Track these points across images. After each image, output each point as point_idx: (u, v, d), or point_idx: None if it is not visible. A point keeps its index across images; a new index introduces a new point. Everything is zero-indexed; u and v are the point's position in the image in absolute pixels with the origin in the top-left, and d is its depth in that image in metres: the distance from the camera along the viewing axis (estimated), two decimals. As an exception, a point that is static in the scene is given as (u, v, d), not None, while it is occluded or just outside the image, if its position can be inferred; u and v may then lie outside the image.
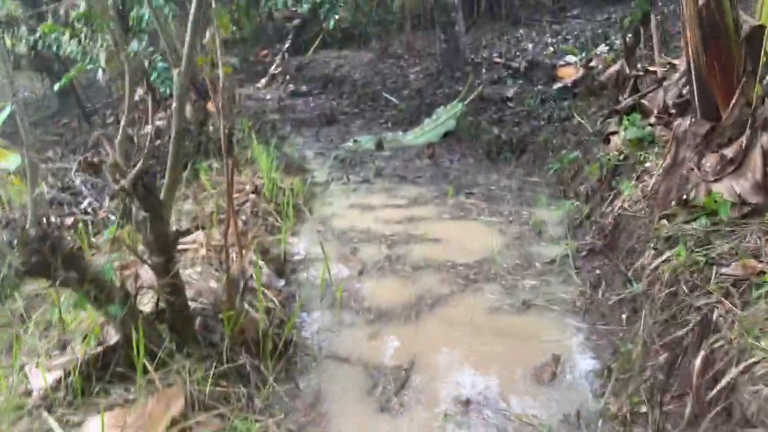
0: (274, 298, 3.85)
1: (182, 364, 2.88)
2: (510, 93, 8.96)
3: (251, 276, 3.70)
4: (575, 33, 12.47)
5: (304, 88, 15.87)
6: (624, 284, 3.91)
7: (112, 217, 5.62)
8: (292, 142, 9.32)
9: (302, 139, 9.57)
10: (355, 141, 9.25)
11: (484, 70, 10.81)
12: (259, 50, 18.75)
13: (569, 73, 8.40)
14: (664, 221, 3.78)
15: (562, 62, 8.69)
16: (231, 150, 7.34)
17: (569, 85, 7.94)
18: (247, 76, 19.17)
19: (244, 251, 3.88)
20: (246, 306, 3.40)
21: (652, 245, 3.74)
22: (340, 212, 5.83)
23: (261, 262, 4.22)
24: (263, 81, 17.32)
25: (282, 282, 4.41)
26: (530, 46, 12.12)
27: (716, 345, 2.65)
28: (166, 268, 2.96)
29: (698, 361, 2.58)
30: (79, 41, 11.57)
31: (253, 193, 5.67)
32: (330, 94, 14.48)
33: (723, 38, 3.64)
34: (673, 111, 4.90)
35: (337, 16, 17.55)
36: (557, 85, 8.31)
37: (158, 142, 8.97)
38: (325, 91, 14.96)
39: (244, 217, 5.09)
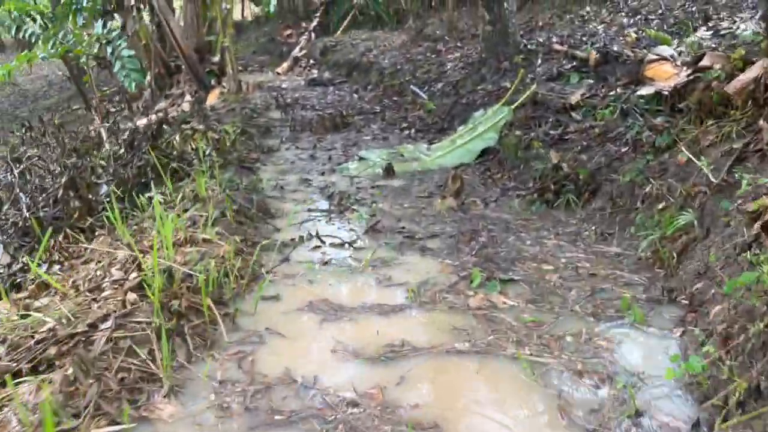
0: None
1: None
2: (575, 97, 6.26)
3: None
4: (660, 11, 9.52)
5: (327, 75, 13.41)
6: None
7: None
8: (276, 160, 6.88)
9: (294, 154, 7.11)
10: (360, 159, 6.76)
11: (539, 61, 8.08)
12: (283, 29, 16.29)
13: (665, 73, 5.66)
14: None
15: (652, 55, 5.95)
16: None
17: (666, 92, 5.23)
18: (271, 58, 16.80)
19: None
20: None
21: None
22: (283, 323, 3.37)
23: None
24: (284, 65, 14.88)
25: None
26: (600, 28, 9.25)
27: None
28: None
29: None
30: (44, 22, 9.39)
31: (131, 290, 3.28)
32: (353, 84, 11.98)
33: None
34: None
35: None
36: (645, 90, 5.59)
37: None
38: (349, 80, 12.48)
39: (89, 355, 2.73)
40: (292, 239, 4.46)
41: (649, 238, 4.02)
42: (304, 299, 3.61)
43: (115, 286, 3.44)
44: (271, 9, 14.30)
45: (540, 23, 10.45)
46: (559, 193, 5.16)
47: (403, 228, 4.71)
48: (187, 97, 11.52)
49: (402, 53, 12.00)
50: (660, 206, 4.27)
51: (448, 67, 9.93)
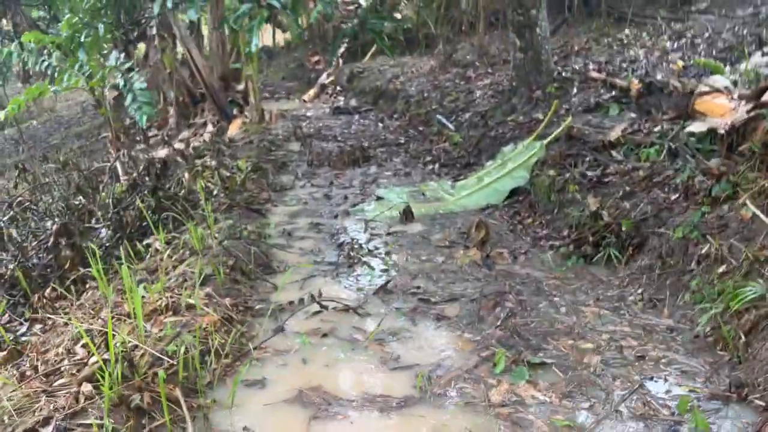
0: None
1: None
2: (615, 133, 5.60)
3: None
4: (706, 35, 8.79)
5: (353, 102, 12.97)
6: None
7: None
8: (289, 200, 6.37)
9: (308, 193, 6.59)
10: (378, 199, 6.21)
11: (575, 90, 7.44)
12: (310, 55, 15.96)
13: (719, 107, 4.97)
14: None
15: (704, 87, 5.27)
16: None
17: (722, 130, 4.55)
18: (299, 85, 16.48)
19: None
20: None
21: None
22: (265, 421, 2.80)
23: None
24: (311, 92, 14.52)
25: None
26: (641, 53, 8.56)
27: None
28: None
29: None
30: (64, 54, 9.16)
31: (87, 380, 2.75)
32: (379, 112, 11.49)
33: None
34: None
35: (399, 16, 14.55)
36: (697, 127, 4.91)
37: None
38: (375, 108, 11.99)
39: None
40: (291, 302, 3.90)
41: (709, 313, 3.33)
42: (294, 385, 3.04)
43: (73, 372, 2.93)
44: (298, 35, 13.95)
45: (576, 47, 9.80)
46: (598, 246, 4.50)
47: (418, 288, 4.11)
48: (209, 127, 11.21)
49: (430, 80, 11.48)
50: (720, 270, 3.59)
51: (477, 95, 9.35)
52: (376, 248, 4.86)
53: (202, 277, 3.86)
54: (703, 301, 3.52)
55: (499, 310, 3.75)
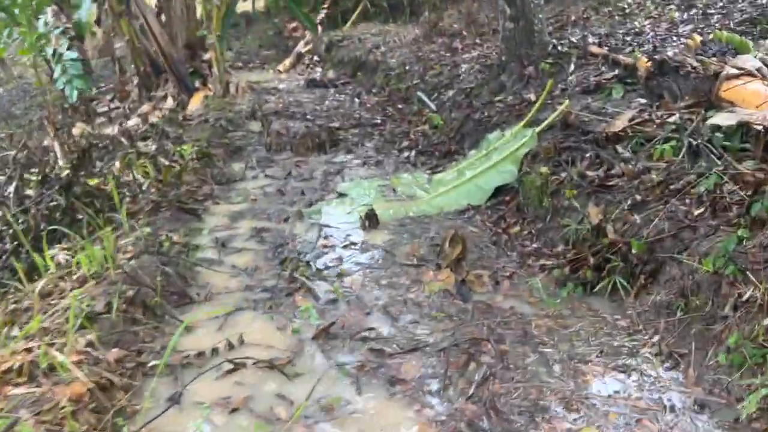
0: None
1: None
2: (621, 122, 4.60)
3: None
4: (720, 4, 7.72)
5: (331, 74, 11.83)
6: None
7: None
8: (235, 195, 5.35)
9: (259, 187, 5.56)
10: (340, 195, 5.22)
11: (572, 67, 6.39)
12: (287, 22, 14.70)
13: (752, 95, 3.98)
14: None
15: (731, 68, 4.27)
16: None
17: (759, 125, 3.57)
18: (276, 54, 15.22)
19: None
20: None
21: None
22: None
23: None
24: (286, 62, 13.31)
25: None
26: (647, 25, 7.50)
27: None
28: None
29: None
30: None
31: None
32: (357, 86, 10.40)
33: None
34: None
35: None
36: (723, 119, 3.92)
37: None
38: (353, 81, 10.88)
39: None
40: (200, 354, 2.94)
41: (759, 393, 2.40)
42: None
43: None
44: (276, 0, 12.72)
45: (573, 17, 8.70)
46: (600, 271, 3.55)
47: (371, 331, 3.15)
48: (169, 101, 10.07)
49: (413, 51, 10.34)
50: (764, 320, 2.66)
51: (463, 69, 8.27)
52: (327, 267, 3.88)
53: (85, 316, 2.89)
54: (744, 365, 2.59)
55: (473, 369, 2.80)
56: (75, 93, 6.25)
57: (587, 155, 4.44)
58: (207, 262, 3.96)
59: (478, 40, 9.69)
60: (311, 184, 5.61)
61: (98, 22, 9.80)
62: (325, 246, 4.21)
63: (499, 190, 4.98)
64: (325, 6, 14.38)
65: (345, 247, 4.20)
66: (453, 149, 6.14)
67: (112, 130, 9.13)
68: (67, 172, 4.91)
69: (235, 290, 3.60)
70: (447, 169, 5.70)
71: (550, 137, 5.04)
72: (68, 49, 6.39)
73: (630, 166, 4.09)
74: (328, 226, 4.56)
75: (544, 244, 4.11)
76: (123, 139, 7.15)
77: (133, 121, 9.57)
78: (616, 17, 8.33)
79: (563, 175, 4.36)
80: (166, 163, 5.62)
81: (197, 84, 10.14)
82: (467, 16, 11.30)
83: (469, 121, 6.47)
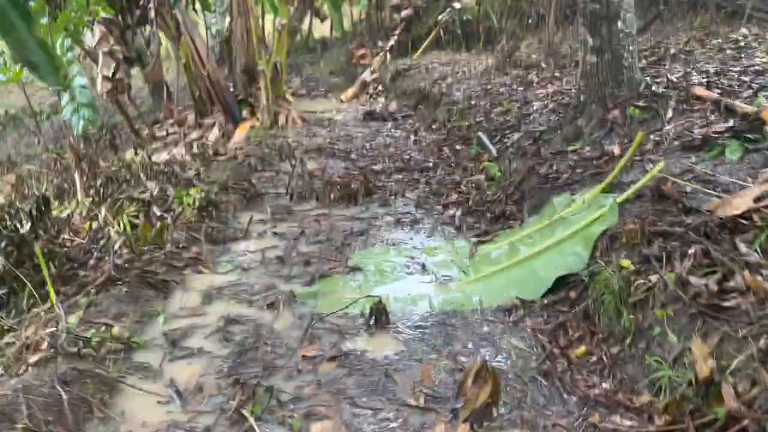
0: None
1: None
2: (743, 202, 3.16)
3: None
4: None
5: (393, 105, 10.68)
6: None
7: None
8: (227, 262, 4.26)
9: (259, 250, 4.42)
10: (351, 271, 4.02)
11: (670, 113, 4.93)
12: (355, 49, 13.80)
13: None
14: None
15: None
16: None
17: None
18: (344, 81, 14.33)
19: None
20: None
21: None
22: None
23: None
24: (350, 91, 12.34)
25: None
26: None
27: None
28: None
29: None
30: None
31: None
32: (417, 121, 9.24)
33: None
34: None
35: (458, 5, 12.16)
36: None
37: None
38: (414, 114, 9.73)
39: None
40: None
41: None
42: None
43: None
44: (339, 24, 11.87)
45: (672, 51, 7.15)
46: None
47: None
48: (215, 131, 9.31)
49: (482, 83, 9.08)
50: None
51: (535, 108, 6.93)
52: (295, 399, 2.68)
53: None
54: None
55: None
56: (81, 124, 5.43)
57: (691, 250, 3.01)
58: (140, 374, 2.86)
59: (557, 73, 8.31)
60: (325, 247, 4.45)
61: (148, 45, 9.22)
62: (305, 356, 3.01)
63: (561, 281, 3.61)
64: (396, 33, 13.37)
65: (332, 359, 2.98)
66: (508, 212, 4.81)
67: (164, 155, 8.47)
68: (28, 224, 4.01)
69: (151, 431, 2.46)
70: (497, 240, 4.38)
71: (637, 212, 3.65)
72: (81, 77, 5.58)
73: (759, 278, 2.65)
74: (322, 318, 3.36)
75: (621, 385, 2.72)
76: (142, 174, 6.33)
77: (177, 150, 8.88)
78: (728, 51, 6.73)
79: (653, 278, 2.96)
80: (158, 214, 4.64)
81: (245, 113, 9.34)
82: (547, 45, 9.93)
83: (532, 175, 5.12)
